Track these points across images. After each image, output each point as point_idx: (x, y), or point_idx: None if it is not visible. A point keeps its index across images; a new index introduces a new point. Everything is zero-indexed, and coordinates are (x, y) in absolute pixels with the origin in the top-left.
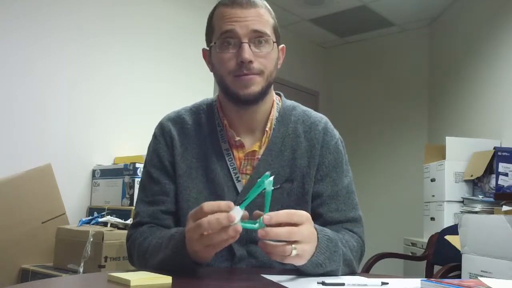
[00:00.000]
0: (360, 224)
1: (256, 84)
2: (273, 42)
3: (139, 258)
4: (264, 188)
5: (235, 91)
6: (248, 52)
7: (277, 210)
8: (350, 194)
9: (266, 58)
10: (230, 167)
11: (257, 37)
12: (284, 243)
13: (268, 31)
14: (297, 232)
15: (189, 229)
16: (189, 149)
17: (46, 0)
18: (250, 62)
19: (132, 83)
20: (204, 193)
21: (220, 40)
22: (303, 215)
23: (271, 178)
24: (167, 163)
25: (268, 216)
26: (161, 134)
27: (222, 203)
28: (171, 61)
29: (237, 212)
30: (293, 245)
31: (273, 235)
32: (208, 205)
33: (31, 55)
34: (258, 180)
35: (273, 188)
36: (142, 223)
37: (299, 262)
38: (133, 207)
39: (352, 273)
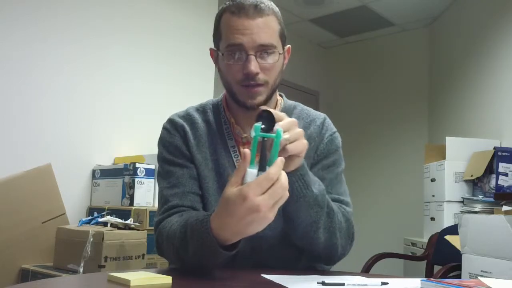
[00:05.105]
0: (349, 206)
1: (262, 95)
2: (280, 54)
3: (168, 249)
4: (264, 138)
5: (242, 100)
6: (254, 65)
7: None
8: (339, 181)
9: (272, 70)
10: (236, 164)
11: (264, 50)
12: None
13: (275, 41)
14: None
15: (263, 199)
16: (202, 141)
17: (46, 0)
18: (256, 74)
19: (132, 83)
20: (215, 186)
21: (227, 51)
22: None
23: (279, 128)
24: (185, 151)
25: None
26: (174, 128)
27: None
28: (171, 61)
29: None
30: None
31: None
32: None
33: (31, 55)
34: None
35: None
36: (169, 208)
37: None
38: (134, 207)
39: (331, 242)
